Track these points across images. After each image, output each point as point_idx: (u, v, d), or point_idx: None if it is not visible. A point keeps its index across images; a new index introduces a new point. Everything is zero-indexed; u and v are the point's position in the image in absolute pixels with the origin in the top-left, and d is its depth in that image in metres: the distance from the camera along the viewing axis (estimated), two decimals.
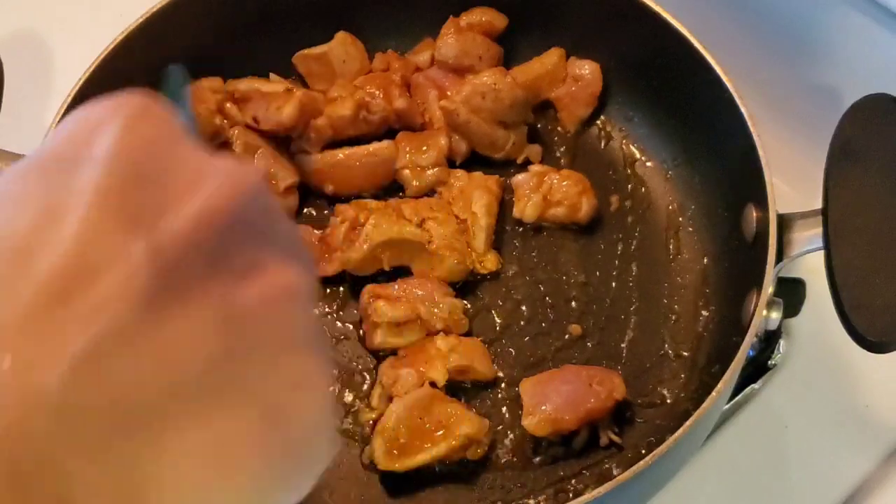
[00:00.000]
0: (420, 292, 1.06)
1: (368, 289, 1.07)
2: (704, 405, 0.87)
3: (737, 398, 1.09)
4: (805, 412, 1.09)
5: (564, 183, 1.12)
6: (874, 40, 1.10)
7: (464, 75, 1.17)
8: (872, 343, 0.85)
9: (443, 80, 1.18)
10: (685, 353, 1.06)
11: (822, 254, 0.92)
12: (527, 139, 1.17)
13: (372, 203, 1.12)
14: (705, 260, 1.11)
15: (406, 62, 1.21)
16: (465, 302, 1.10)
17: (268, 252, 0.42)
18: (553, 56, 1.19)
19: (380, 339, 1.05)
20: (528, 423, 0.99)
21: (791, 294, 1.00)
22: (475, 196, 1.11)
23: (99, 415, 0.36)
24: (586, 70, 1.19)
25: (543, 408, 0.99)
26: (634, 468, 0.83)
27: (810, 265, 1.09)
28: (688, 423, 0.85)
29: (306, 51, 1.20)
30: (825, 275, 0.90)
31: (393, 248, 1.08)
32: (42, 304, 0.36)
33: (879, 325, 0.86)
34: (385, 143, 1.15)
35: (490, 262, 1.11)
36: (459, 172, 1.14)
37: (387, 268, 1.09)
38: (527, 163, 1.16)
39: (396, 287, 1.07)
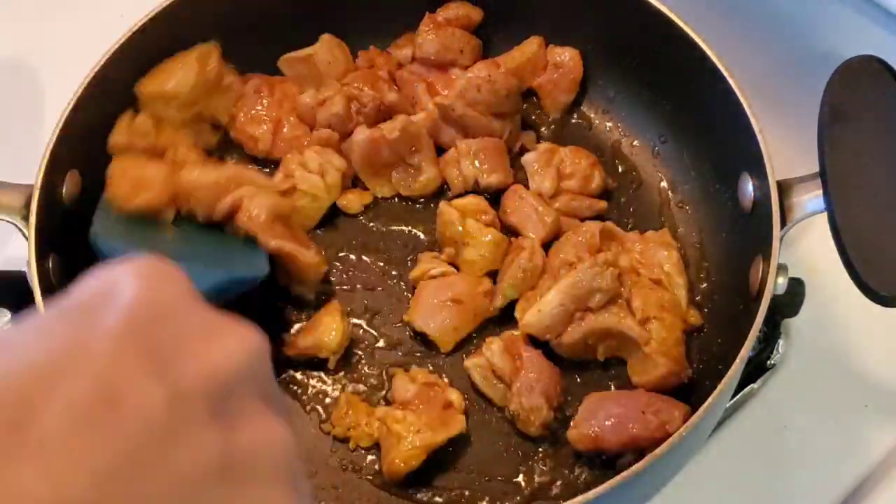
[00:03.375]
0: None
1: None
2: (731, 372, 0.88)
3: (735, 398, 1.08)
4: (804, 412, 1.10)
5: (574, 157, 1.14)
6: (874, 40, 1.11)
7: (447, 69, 1.18)
8: (887, 298, 0.87)
9: (427, 74, 1.18)
10: (691, 326, 1.07)
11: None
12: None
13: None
14: (701, 233, 1.13)
15: (389, 58, 1.21)
16: None
17: (260, 405, 0.49)
18: (532, 44, 1.20)
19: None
20: (571, 434, 0.98)
21: (790, 294, 0.99)
22: (660, 256, 1.07)
23: None
24: (566, 56, 1.20)
25: (590, 423, 0.97)
26: (678, 433, 0.84)
27: (809, 265, 1.11)
28: (718, 388, 0.87)
29: (292, 54, 1.19)
30: (831, 236, 0.90)
31: (610, 338, 1.03)
32: (68, 426, 0.41)
33: (891, 279, 0.88)
34: (420, 116, 1.14)
35: (693, 318, 1.06)
36: (633, 235, 1.09)
37: (601, 358, 1.04)
38: (522, 152, 1.16)
39: None
